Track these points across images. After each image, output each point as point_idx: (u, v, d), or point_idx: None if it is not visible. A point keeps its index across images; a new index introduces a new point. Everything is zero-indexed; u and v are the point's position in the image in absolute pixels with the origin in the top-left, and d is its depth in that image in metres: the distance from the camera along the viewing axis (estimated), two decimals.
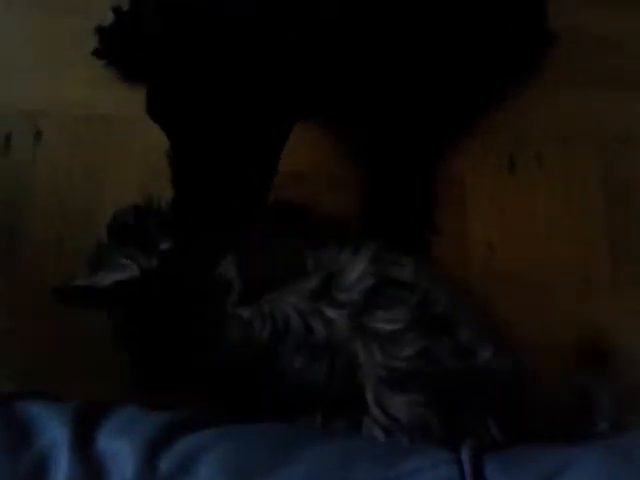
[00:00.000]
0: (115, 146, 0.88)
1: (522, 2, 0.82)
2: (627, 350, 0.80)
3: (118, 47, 0.89)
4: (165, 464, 0.46)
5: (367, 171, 0.86)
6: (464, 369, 0.61)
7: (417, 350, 0.60)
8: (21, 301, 0.80)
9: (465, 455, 0.48)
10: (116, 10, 0.89)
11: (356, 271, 0.63)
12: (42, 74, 0.91)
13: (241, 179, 0.67)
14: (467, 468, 0.47)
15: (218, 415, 0.56)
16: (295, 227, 0.73)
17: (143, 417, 0.52)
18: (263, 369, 0.63)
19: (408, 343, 0.60)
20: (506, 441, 0.59)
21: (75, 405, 0.52)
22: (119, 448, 0.47)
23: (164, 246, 0.65)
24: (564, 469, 0.46)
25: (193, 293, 0.65)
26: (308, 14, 0.63)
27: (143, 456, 0.46)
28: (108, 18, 0.90)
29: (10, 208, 0.85)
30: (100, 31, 0.89)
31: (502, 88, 0.86)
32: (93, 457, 0.46)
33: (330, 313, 0.61)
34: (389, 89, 0.74)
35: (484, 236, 0.86)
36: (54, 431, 0.48)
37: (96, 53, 0.89)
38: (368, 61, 0.69)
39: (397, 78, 0.73)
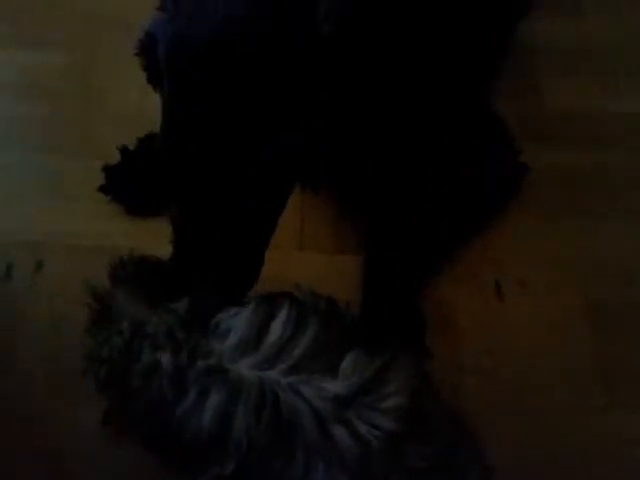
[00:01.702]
0: None
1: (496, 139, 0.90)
2: None
3: (124, 184, 0.94)
4: None
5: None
6: None
7: None
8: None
9: None
10: (123, 150, 0.95)
11: (393, 386, 0.58)
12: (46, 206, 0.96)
13: (241, 248, 0.72)
14: None
15: None
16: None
17: None
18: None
19: None
20: None
21: None
22: None
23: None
24: None
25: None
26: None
27: None
28: (109, 157, 0.96)
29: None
30: (106, 170, 0.95)
31: (482, 217, 0.91)
32: None
33: (362, 429, 0.56)
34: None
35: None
36: None
37: (102, 189, 0.95)
38: None
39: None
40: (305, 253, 0.94)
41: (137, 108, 1.01)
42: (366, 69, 0.76)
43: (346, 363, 0.57)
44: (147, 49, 0.78)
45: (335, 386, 0.56)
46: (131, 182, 0.94)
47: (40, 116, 1.05)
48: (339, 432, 0.56)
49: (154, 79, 0.80)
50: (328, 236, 0.95)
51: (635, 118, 1.06)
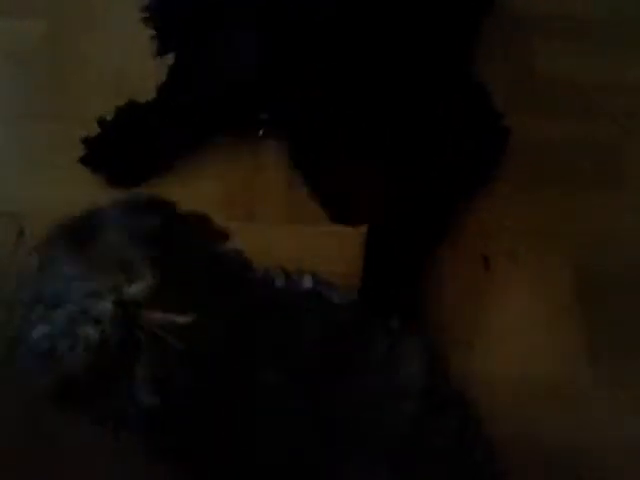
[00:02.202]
0: None
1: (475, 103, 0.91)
2: None
3: (104, 156, 0.94)
4: None
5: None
6: None
7: None
8: None
9: None
10: (101, 122, 0.95)
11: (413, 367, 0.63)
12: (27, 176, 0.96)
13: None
14: None
15: None
16: None
17: None
18: None
19: None
20: None
21: None
22: None
23: None
24: None
25: None
26: None
27: None
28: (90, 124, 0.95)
29: None
30: (86, 141, 0.94)
31: (468, 188, 0.91)
32: None
33: None
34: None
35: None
36: None
37: (82, 161, 0.94)
38: None
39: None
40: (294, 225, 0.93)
41: (117, 75, 1.02)
42: (357, 45, 0.86)
43: None
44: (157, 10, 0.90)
45: None
46: (111, 153, 0.94)
47: (21, 83, 1.04)
48: None
49: (167, 39, 0.91)
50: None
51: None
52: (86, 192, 0.92)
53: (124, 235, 0.51)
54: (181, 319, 0.48)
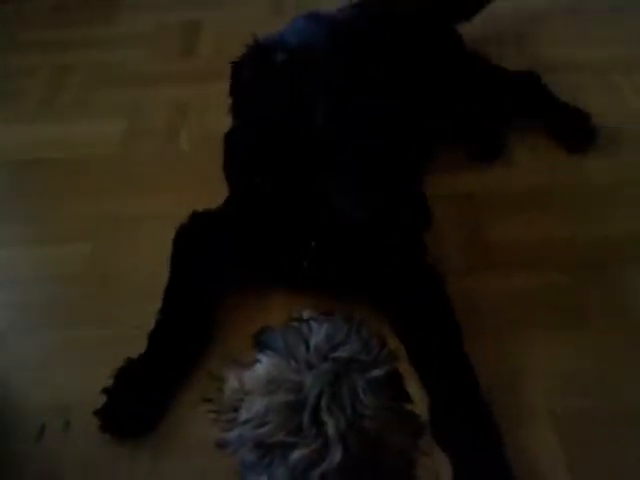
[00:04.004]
0: None
1: None
2: None
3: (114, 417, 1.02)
4: None
5: None
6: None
7: None
8: None
9: None
10: (106, 390, 1.03)
11: None
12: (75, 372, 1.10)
13: None
14: None
15: None
16: None
17: None
18: None
19: None
20: None
21: None
22: None
23: None
24: None
25: None
26: None
27: None
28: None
29: None
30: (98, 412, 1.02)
31: None
32: None
33: None
34: None
35: None
36: None
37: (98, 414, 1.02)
38: None
39: None
40: None
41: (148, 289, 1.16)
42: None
43: None
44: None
45: None
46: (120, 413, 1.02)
47: (69, 295, 1.22)
48: None
49: None
50: None
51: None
52: None
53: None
54: None
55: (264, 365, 0.61)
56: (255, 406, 0.58)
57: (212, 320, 1.13)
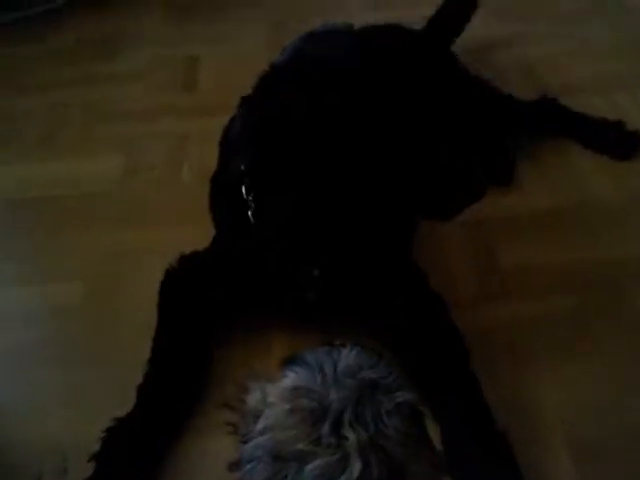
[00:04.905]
0: None
1: None
2: None
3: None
4: None
5: None
6: None
7: None
8: None
9: None
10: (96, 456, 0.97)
11: None
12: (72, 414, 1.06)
13: None
14: None
15: None
16: None
17: None
18: None
19: None
20: None
21: None
22: None
23: None
24: None
25: None
26: None
27: None
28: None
29: None
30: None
31: None
32: None
33: None
34: None
35: None
36: None
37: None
38: None
39: None
40: None
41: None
42: None
43: None
44: None
45: None
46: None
47: (63, 336, 1.19)
48: None
49: None
50: None
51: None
52: None
53: None
54: None
55: (290, 378, 0.60)
56: (276, 413, 0.57)
57: (206, 366, 1.09)
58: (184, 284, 1.12)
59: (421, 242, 1.21)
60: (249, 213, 0.98)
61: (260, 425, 0.58)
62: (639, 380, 1.04)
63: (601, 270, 1.21)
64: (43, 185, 1.52)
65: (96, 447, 0.98)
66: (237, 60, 1.80)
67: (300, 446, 0.54)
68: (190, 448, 1.01)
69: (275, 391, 0.60)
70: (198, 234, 1.15)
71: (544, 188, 1.38)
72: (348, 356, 0.61)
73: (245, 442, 0.59)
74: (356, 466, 0.53)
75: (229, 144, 1.10)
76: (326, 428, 0.55)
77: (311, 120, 0.88)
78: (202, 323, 1.09)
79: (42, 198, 1.48)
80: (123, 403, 1.02)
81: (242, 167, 0.96)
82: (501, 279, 1.20)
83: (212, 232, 1.15)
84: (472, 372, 0.99)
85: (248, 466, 0.57)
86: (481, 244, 1.27)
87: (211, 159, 1.20)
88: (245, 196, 0.98)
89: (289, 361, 0.64)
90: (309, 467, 0.53)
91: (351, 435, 0.54)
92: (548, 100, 1.49)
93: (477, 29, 1.63)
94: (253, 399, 0.61)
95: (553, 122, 1.47)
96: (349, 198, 0.91)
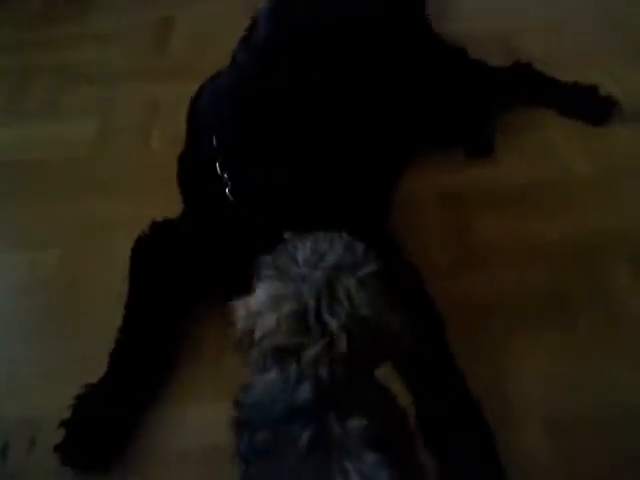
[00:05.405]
0: None
1: None
2: None
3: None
4: None
5: None
6: None
7: None
8: None
9: None
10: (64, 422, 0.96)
11: None
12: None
13: None
14: None
15: None
16: None
17: None
18: None
19: None
20: None
21: None
22: None
23: None
24: None
25: None
26: None
27: None
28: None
29: None
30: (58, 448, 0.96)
31: None
32: None
33: None
34: None
35: None
36: None
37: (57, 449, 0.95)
38: None
39: None
40: None
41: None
42: None
43: None
44: None
45: None
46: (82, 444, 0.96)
47: (39, 308, 1.17)
48: None
49: None
50: None
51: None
52: None
53: None
54: None
55: (262, 289, 0.67)
56: (267, 321, 0.65)
57: (179, 333, 1.07)
58: (156, 250, 1.10)
59: (399, 213, 1.21)
60: (226, 190, 0.97)
61: (257, 333, 0.65)
62: (614, 351, 1.05)
63: (577, 241, 1.21)
64: (9, 148, 1.47)
65: (67, 416, 0.96)
66: (212, 22, 1.75)
67: (294, 340, 0.63)
68: (165, 415, 1.01)
69: (256, 303, 0.67)
70: (169, 203, 1.13)
71: (520, 161, 1.36)
72: (304, 248, 0.67)
73: (250, 353, 0.67)
74: (342, 342, 0.62)
75: (198, 120, 1.06)
76: (311, 320, 0.63)
77: (283, 97, 0.89)
78: (174, 289, 1.08)
79: (8, 162, 1.44)
80: (96, 375, 1.01)
81: (215, 144, 0.94)
82: (478, 250, 1.20)
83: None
84: (446, 342, 0.99)
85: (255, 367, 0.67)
86: (459, 215, 1.26)
87: (182, 126, 1.18)
88: (220, 173, 0.96)
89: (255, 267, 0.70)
90: (305, 354, 0.63)
91: (330, 320, 0.63)
92: (522, 65, 1.46)
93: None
94: (241, 318, 0.68)
95: (527, 87, 1.44)
96: (324, 165, 0.90)
